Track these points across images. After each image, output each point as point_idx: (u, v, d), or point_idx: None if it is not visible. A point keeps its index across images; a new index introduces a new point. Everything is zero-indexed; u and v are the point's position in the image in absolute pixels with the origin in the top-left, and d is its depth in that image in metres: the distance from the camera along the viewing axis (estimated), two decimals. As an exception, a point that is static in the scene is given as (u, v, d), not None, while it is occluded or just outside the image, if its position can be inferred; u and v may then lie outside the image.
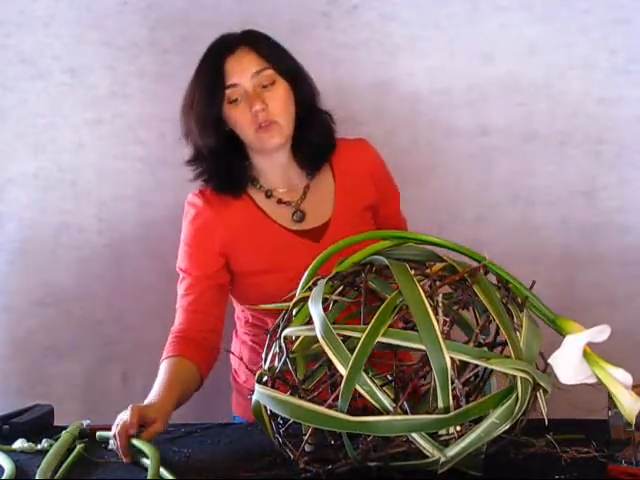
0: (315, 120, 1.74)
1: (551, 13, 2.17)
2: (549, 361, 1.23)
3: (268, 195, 1.75)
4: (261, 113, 1.64)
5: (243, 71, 1.65)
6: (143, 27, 2.18)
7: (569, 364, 1.23)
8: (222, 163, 1.72)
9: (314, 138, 1.73)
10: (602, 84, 2.18)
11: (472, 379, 1.33)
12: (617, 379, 1.23)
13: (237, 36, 1.71)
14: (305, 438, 1.29)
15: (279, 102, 1.66)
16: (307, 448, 1.31)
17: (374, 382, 1.22)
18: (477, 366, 1.25)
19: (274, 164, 1.75)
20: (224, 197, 1.74)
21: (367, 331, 1.21)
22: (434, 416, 1.19)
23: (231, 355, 1.81)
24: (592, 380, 1.24)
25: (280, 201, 1.74)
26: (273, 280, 1.65)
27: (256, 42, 1.69)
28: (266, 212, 1.74)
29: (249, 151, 1.75)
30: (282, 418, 1.31)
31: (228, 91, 1.65)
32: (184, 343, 1.66)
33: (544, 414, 1.26)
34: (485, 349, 1.28)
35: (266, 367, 1.34)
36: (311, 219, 1.74)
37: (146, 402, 1.50)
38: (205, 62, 1.70)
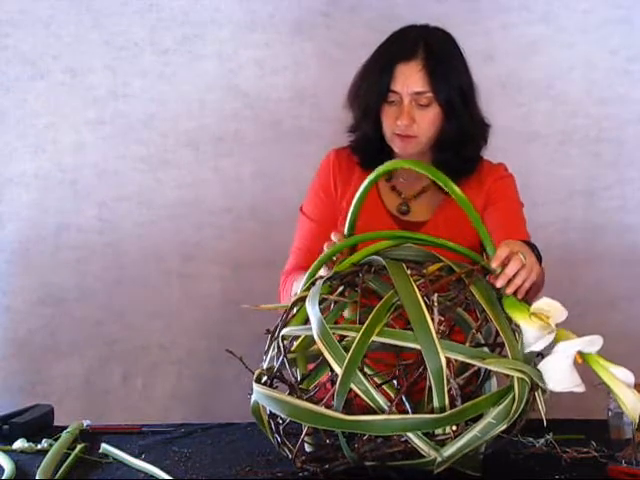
0: (462, 148, 1.76)
1: (551, 13, 2.17)
2: (539, 367, 1.23)
3: (388, 178, 1.80)
4: (403, 127, 1.69)
5: (406, 85, 1.68)
6: (143, 27, 2.18)
7: (558, 371, 1.23)
8: (372, 139, 1.77)
9: (453, 162, 1.75)
10: (602, 84, 2.18)
11: (472, 380, 1.32)
12: (619, 378, 1.23)
13: (419, 44, 1.71)
14: (301, 437, 1.29)
15: (425, 123, 1.70)
16: (307, 448, 1.31)
17: (369, 381, 1.22)
18: (477, 366, 1.25)
19: (405, 157, 1.78)
20: (354, 163, 1.80)
21: (362, 330, 1.21)
22: (429, 415, 1.19)
23: None
24: (580, 389, 1.23)
25: (394, 188, 1.80)
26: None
27: (432, 61, 1.69)
28: (380, 191, 1.80)
29: None
30: (281, 418, 1.31)
31: (389, 92, 1.70)
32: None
33: (542, 415, 1.26)
34: (485, 349, 1.28)
35: (265, 367, 1.34)
36: (413, 215, 1.78)
37: None
38: (380, 58, 1.74)
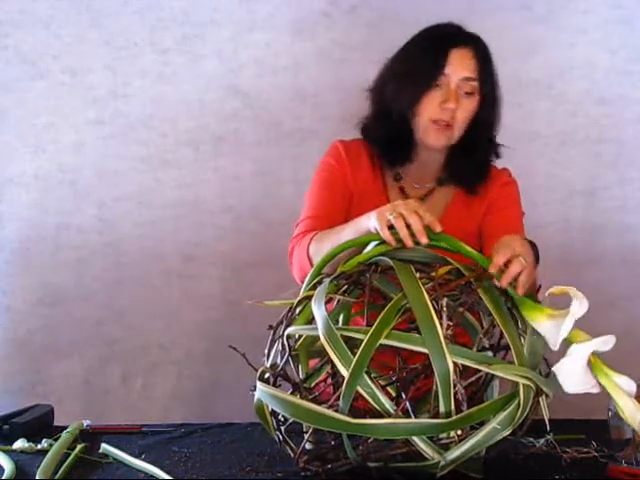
0: (480, 148, 1.76)
1: (551, 13, 2.17)
2: (553, 369, 1.22)
3: (397, 178, 1.79)
4: (449, 112, 1.68)
5: (459, 68, 1.69)
6: (143, 27, 2.18)
7: (573, 373, 1.21)
8: (396, 131, 1.75)
9: (469, 163, 1.76)
10: (602, 84, 2.18)
11: (475, 381, 1.32)
12: (621, 387, 1.23)
13: (468, 35, 1.75)
14: (306, 437, 1.29)
15: (465, 113, 1.71)
16: (308, 446, 1.31)
17: (376, 384, 1.21)
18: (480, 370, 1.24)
19: (419, 158, 1.78)
20: (360, 158, 1.78)
21: (370, 333, 1.20)
22: (435, 420, 1.19)
23: None
24: (595, 390, 1.22)
25: (402, 190, 1.79)
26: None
27: (481, 52, 1.73)
28: (388, 193, 1.78)
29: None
30: (284, 415, 1.31)
31: (440, 75, 1.70)
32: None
33: (546, 419, 1.26)
34: (490, 353, 1.28)
35: (268, 364, 1.34)
36: None
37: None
38: (431, 41, 1.74)
